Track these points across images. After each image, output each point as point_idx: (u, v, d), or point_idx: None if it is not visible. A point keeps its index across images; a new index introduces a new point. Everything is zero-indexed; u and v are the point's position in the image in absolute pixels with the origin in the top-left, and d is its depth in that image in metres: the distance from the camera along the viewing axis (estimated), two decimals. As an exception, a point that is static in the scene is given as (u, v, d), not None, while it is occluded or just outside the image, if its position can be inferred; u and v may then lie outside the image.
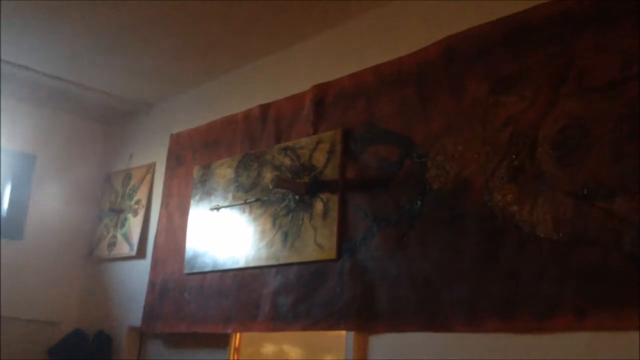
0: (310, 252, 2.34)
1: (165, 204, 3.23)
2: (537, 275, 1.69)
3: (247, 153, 2.80)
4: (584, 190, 1.65)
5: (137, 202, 3.49)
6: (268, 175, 2.62)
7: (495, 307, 1.76)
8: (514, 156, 1.84)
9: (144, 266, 3.23)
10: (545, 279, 1.67)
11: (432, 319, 1.90)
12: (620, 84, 1.66)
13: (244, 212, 2.70)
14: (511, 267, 1.75)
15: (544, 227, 1.71)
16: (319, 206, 2.38)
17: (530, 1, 1.93)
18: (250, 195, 2.69)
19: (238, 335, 2.69)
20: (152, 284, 3.10)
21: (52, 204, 3.72)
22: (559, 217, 1.68)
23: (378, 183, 2.23)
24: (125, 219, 3.52)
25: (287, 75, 2.84)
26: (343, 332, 2.21)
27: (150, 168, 3.49)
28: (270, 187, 2.50)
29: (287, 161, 2.58)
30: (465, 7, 2.18)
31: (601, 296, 1.55)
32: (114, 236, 3.56)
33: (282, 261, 2.44)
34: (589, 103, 1.71)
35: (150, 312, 3.03)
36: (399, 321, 2.00)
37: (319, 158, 2.45)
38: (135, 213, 3.46)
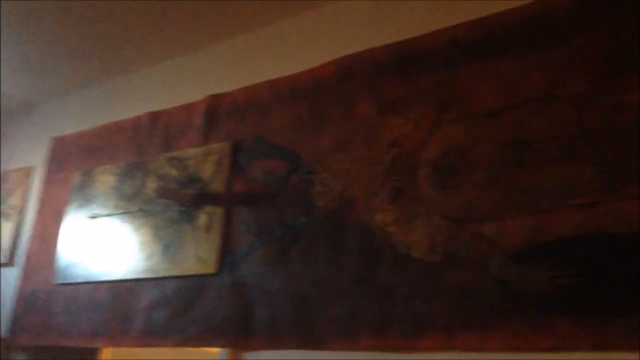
0: (190, 265, 2.27)
1: (41, 210, 3.06)
2: (410, 294, 1.71)
3: (133, 161, 2.70)
4: (459, 214, 1.70)
5: (12, 206, 3.28)
6: (152, 185, 2.53)
7: (369, 324, 1.76)
8: (396, 177, 1.87)
9: (14, 274, 3.04)
10: (418, 298, 1.69)
11: (308, 335, 1.88)
12: (500, 112, 1.73)
13: (124, 222, 2.59)
14: (387, 286, 1.77)
15: (419, 248, 1.74)
16: (202, 219, 2.32)
17: (423, 28, 1.99)
18: (132, 204, 2.60)
19: (109, 350, 2.57)
20: (21, 293, 2.91)
21: None
22: (434, 239, 1.72)
23: (264, 198, 2.21)
24: (-3, 223, 3.31)
25: (180, 84, 2.78)
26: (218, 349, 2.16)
27: (29, 172, 3.30)
28: (154, 197, 2.42)
29: (174, 171, 2.51)
30: (361, 30, 2.22)
31: (469, 317, 1.59)
32: (-17, 242, 3.33)
33: (160, 274, 2.35)
34: (470, 129, 1.77)
35: (17, 323, 2.84)
36: (275, 338, 1.96)
37: (207, 170, 2.40)
38: (9, 218, 3.26)
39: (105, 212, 2.70)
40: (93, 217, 2.72)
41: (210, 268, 2.21)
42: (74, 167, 2.99)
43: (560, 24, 1.71)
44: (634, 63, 1.55)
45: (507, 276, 1.56)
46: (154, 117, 2.73)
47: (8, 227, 3.23)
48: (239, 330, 2.06)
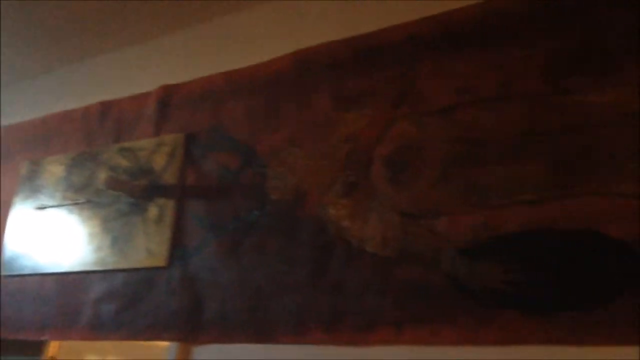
0: (139, 258, 2.23)
1: (-13, 200, 2.98)
2: (362, 289, 1.71)
3: (83, 151, 2.64)
4: (411, 209, 1.71)
5: (-45, 196, 3.18)
6: (102, 176, 2.48)
7: (321, 319, 1.76)
8: (350, 172, 1.87)
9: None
10: (370, 293, 1.69)
11: (260, 330, 1.87)
12: (452, 109, 1.74)
13: (72, 213, 2.53)
14: (339, 281, 1.77)
15: (372, 242, 1.75)
16: (153, 211, 2.28)
17: (381, 22, 1.99)
18: (81, 195, 2.54)
19: (56, 343, 2.51)
20: (-36, 285, 2.82)
21: None
22: (387, 233, 1.73)
23: (218, 191, 2.18)
24: (-60, 214, 3.19)
25: (133, 74, 2.73)
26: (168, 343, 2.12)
27: (-25, 161, 3.20)
28: (103, 188, 2.36)
29: (125, 162, 2.46)
30: (318, 23, 2.22)
31: (420, 312, 1.60)
32: None
33: (109, 267, 2.30)
34: (424, 126, 1.78)
35: (-40, 316, 2.75)
36: (226, 331, 1.94)
37: (159, 161, 2.36)
38: (-48, 208, 3.15)
39: (53, 203, 2.63)
40: (41, 208, 2.65)
41: (160, 261, 2.18)
42: (23, 156, 2.91)
43: (515, 23, 1.73)
44: (585, 64, 1.58)
45: (457, 271, 1.58)
46: (105, 106, 2.67)
47: (-49, 217, 3.13)
48: (188, 324, 2.03)
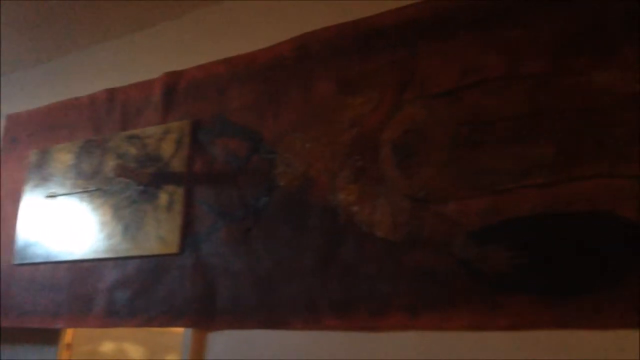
0: (151, 245, 2.25)
1: (-4, 189, 2.99)
2: (373, 274, 1.73)
3: (90, 139, 2.64)
4: (420, 194, 1.71)
5: (-35, 185, 3.20)
6: (111, 164, 2.48)
7: (332, 304, 1.78)
8: (358, 157, 1.87)
9: (-31, 256, 2.97)
10: (381, 278, 1.71)
11: (271, 315, 1.89)
12: (457, 92, 1.73)
13: (83, 201, 2.55)
14: (350, 266, 1.78)
15: (382, 227, 1.75)
16: (163, 198, 2.30)
17: (381, 5, 1.98)
18: (91, 183, 2.55)
19: (70, 331, 2.54)
20: (-22, 275, 2.86)
21: None
22: (397, 218, 1.73)
23: (225, 177, 2.19)
24: (-50, 203, 3.21)
25: (136, 61, 2.72)
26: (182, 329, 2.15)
27: (-18, 149, 3.21)
28: (112, 175, 2.38)
29: (133, 150, 2.47)
30: (318, 7, 2.19)
31: (431, 296, 1.61)
32: (-64, 222, 3.23)
33: (121, 254, 2.33)
34: (430, 109, 1.78)
35: (-25, 305, 2.79)
36: (238, 318, 1.97)
37: (166, 148, 2.37)
38: (-38, 197, 3.17)
39: (63, 191, 2.65)
40: (51, 196, 2.67)
41: (172, 248, 2.20)
42: (30, 145, 2.91)
43: (518, 3, 1.71)
44: (589, 44, 1.57)
45: (467, 256, 1.59)
46: (111, 94, 2.66)
47: (-38, 207, 3.15)
48: (201, 310, 2.06)
